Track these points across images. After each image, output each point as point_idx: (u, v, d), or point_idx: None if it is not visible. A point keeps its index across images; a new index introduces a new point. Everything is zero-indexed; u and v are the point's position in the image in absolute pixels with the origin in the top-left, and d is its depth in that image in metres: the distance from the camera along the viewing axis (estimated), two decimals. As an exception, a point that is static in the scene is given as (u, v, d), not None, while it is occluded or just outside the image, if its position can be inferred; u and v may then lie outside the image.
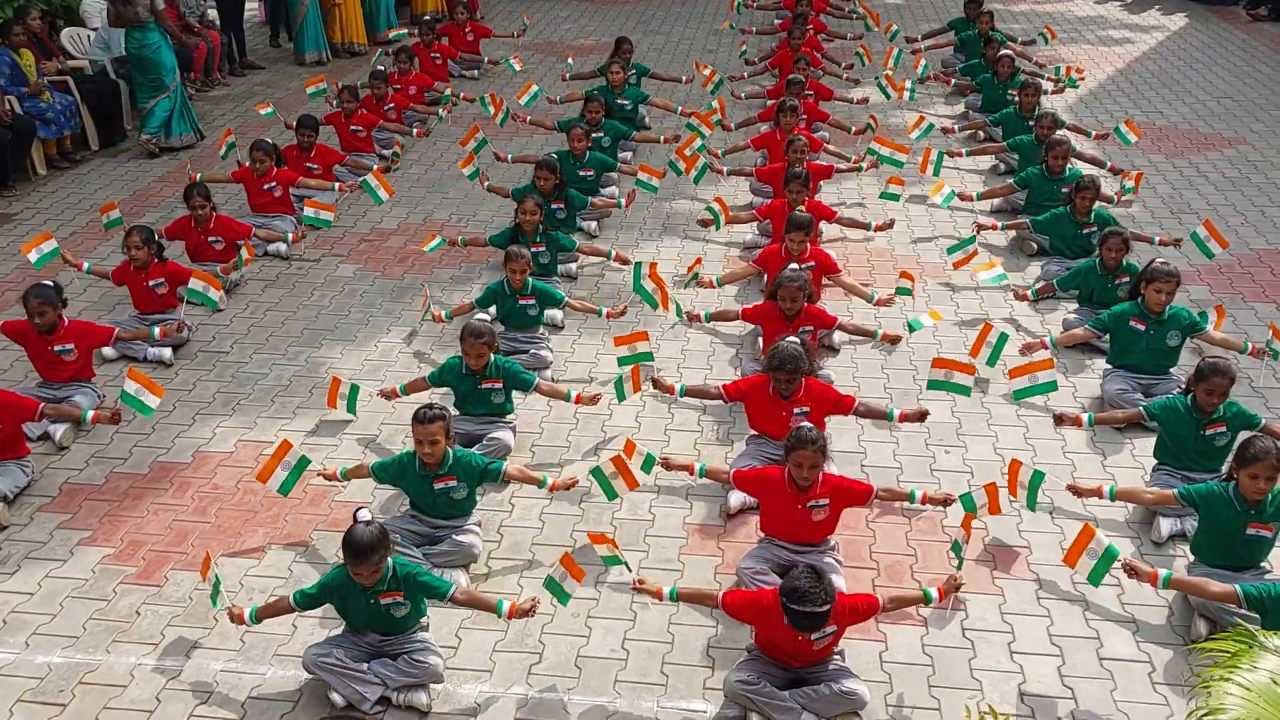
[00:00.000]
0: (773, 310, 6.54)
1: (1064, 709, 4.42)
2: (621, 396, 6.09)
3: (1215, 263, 7.98)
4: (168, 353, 6.94)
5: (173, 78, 10.57)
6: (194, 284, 7.02)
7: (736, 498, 5.56)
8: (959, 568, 4.87)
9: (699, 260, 7.90)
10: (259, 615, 4.63)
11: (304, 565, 5.24)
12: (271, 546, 5.36)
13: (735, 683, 4.30)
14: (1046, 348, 6.51)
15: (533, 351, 6.75)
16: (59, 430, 6.13)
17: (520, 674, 4.58)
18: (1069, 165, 8.54)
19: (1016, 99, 9.92)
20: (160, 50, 10.48)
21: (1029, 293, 7.53)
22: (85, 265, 7.50)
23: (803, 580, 4.10)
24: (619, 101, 10.48)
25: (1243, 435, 5.30)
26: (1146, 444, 5.92)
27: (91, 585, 5.12)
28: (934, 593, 4.62)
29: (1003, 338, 6.26)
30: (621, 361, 6.17)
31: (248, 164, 8.67)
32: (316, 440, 6.18)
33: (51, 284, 6.39)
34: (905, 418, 5.77)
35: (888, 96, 11.32)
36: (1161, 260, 6.42)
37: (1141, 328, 6.31)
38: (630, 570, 4.78)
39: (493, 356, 5.94)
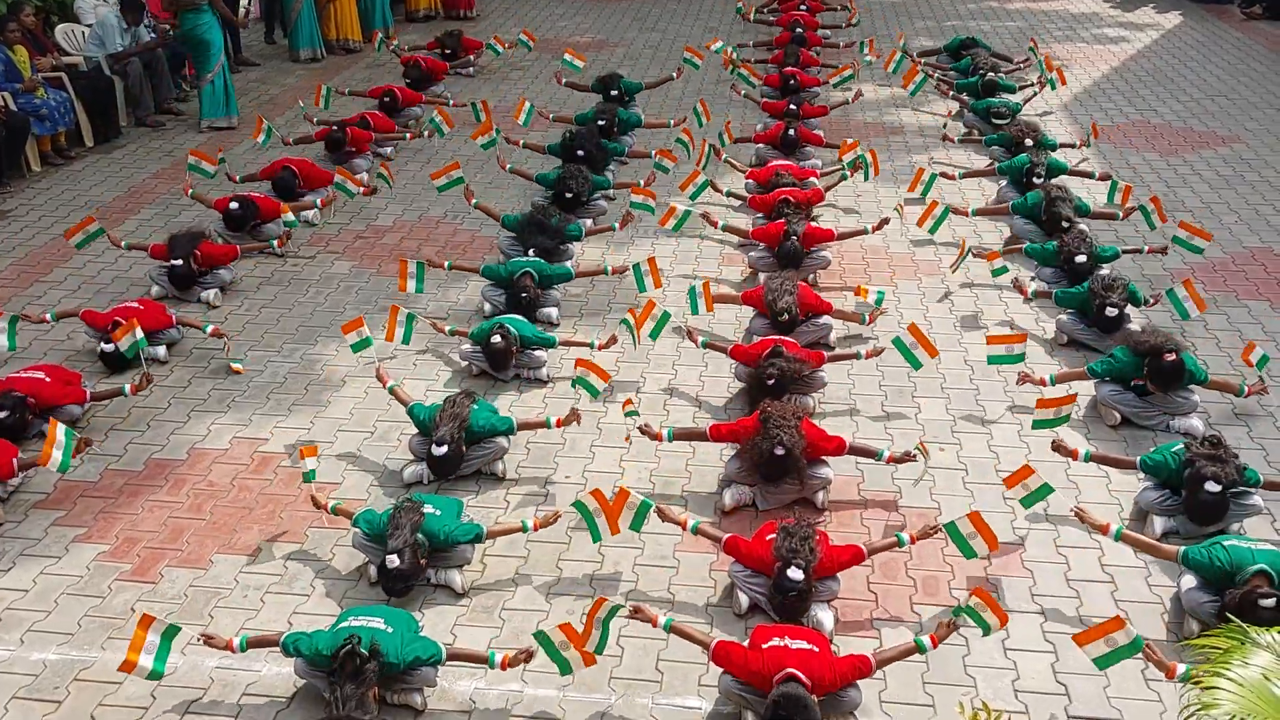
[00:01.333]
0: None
1: (1057, 705, 4.43)
2: (594, 393, 6.05)
3: (1209, 260, 8.00)
4: (161, 351, 6.93)
5: (219, 57, 11.06)
6: (132, 336, 6.52)
7: (731, 495, 5.57)
8: (985, 633, 4.59)
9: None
10: (249, 645, 4.54)
11: (299, 563, 5.24)
12: (266, 543, 5.36)
13: (730, 681, 4.31)
14: (1045, 384, 6.41)
15: (528, 350, 6.74)
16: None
17: (515, 671, 4.58)
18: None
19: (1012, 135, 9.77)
20: (212, 30, 11.03)
21: (1029, 290, 7.51)
22: (49, 314, 7.14)
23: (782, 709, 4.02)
24: (614, 144, 10.07)
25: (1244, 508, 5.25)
26: (1138, 442, 5.95)
27: (86, 582, 5.12)
28: (927, 641, 4.44)
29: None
30: (574, 383, 6.16)
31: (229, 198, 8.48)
32: (312, 438, 6.18)
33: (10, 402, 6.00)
34: (893, 460, 5.62)
35: (868, 63, 11.45)
36: (1171, 356, 5.99)
37: (1140, 383, 6.17)
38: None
39: (469, 425, 5.73)
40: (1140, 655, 4.33)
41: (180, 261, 7.52)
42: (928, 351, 6.39)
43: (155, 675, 4.39)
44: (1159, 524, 5.32)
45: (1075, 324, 7.01)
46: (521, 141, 9.88)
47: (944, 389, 6.59)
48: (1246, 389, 6.21)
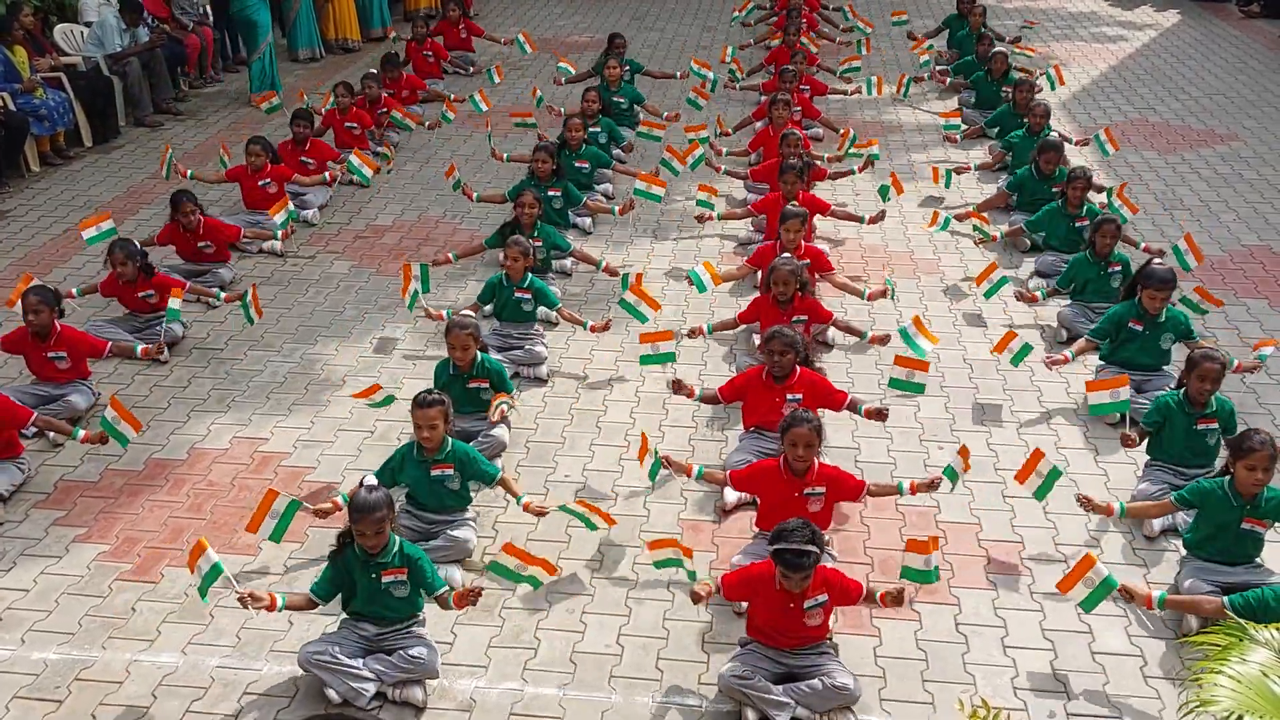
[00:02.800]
0: (765, 302, 6.59)
1: (1057, 703, 4.44)
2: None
3: (1208, 259, 8.01)
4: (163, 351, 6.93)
5: (265, 36, 11.68)
6: (173, 303, 6.83)
7: (733, 493, 5.57)
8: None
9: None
10: (288, 606, 4.57)
11: (299, 561, 5.24)
12: (267, 543, 5.36)
13: (729, 677, 4.32)
14: (1068, 360, 6.41)
15: (528, 347, 6.75)
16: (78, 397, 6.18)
17: (515, 669, 4.60)
18: (1060, 165, 8.50)
19: (1010, 96, 9.97)
20: (259, 11, 11.63)
21: (1039, 294, 7.39)
22: (75, 291, 7.17)
23: (790, 522, 4.29)
24: (615, 99, 10.47)
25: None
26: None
27: (87, 582, 5.12)
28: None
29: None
30: (643, 360, 6.26)
31: (243, 162, 8.67)
32: (312, 438, 6.19)
33: (51, 288, 6.38)
34: (869, 414, 5.75)
35: (869, 94, 11.42)
36: (1159, 262, 6.39)
37: (1139, 328, 6.31)
38: (690, 573, 4.87)
39: (479, 356, 5.93)
40: (1119, 591, 4.56)
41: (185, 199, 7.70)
42: (929, 339, 6.53)
43: (202, 590, 4.52)
44: (1157, 523, 5.32)
45: (1076, 317, 7.03)
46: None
47: (943, 388, 6.60)
48: (1236, 363, 6.26)
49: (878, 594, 4.48)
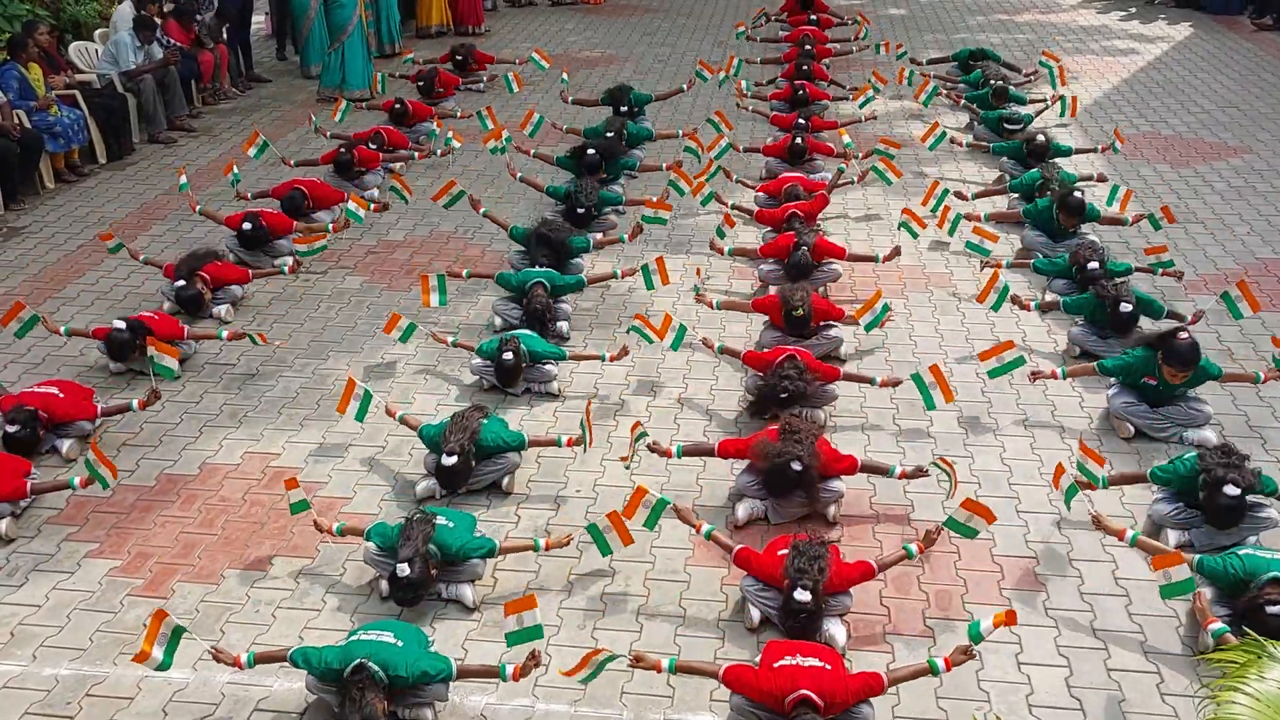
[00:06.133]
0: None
1: (1072, 721, 4.41)
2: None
3: (1220, 271, 7.97)
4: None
5: (342, 31, 12.27)
6: (151, 352, 6.51)
7: (744, 510, 5.55)
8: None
9: (698, 270, 7.89)
10: (256, 660, 4.51)
11: (310, 578, 5.24)
12: (278, 558, 5.37)
13: (743, 701, 4.28)
14: (1057, 377, 6.40)
15: (537, 364, 6.74)
16: (65, 444, 6.15)
17: (526, 686, 4.57)
18: (1079, 230, 8.25)
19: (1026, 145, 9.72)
20: (347, 9, 12.25)
21: (1031, 303, 7.42)
22: (63, 329, 7.09)
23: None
24: (626, 159, 10.03)
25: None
26: (1151, 455, 5.91)
27: (99, 597, 5.13)
28: (940, 664, 4.34)
29: (1019, 360, 6.42)
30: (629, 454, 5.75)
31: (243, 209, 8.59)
32: (324, 453, 6.20)
33: (28, 409, 6.04)
34: (905, 476, 5.62)
35: (878, 91, 11.38)
36: (1185, 335, 6.01)
37: (1153, 383, 6.12)
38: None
39: (479, 439, 5.74)
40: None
41: (184, 283, 7.53)
42: (945, 395, 6.17)
43: (163, 667, 4.38)
44: (1173, 537, 5.29)
45: (1087, 335, 6.98)
46: (533, 150, 9.93)
47: (955, 403, 6.55)
48: (1263, 375, 6.20)
49: (941, 660, 4.31)
